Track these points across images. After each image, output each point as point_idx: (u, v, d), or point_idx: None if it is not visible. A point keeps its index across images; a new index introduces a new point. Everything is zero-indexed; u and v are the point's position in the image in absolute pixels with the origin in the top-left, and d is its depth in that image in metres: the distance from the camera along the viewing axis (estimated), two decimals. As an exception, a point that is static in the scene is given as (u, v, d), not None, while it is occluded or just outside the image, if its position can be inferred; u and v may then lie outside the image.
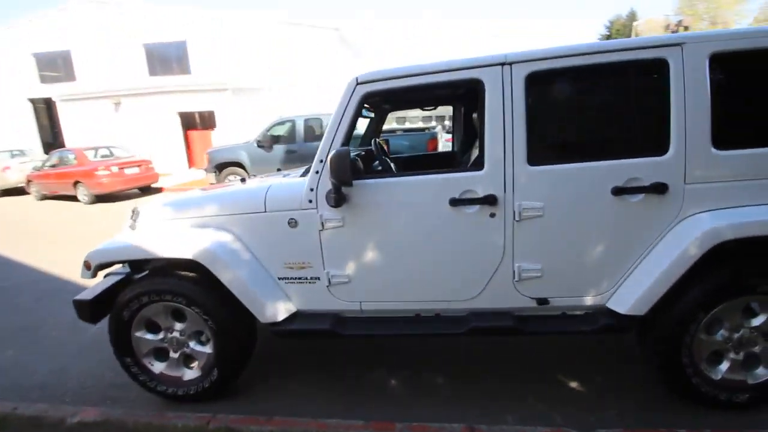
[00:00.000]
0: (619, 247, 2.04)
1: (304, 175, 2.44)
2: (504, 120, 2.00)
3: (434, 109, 3.65)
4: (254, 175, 4.22)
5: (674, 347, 2.00)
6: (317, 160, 2.16)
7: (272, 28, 16.43)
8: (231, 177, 8.83)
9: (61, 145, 15.82)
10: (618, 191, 1.97)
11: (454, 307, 2.22)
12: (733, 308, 1.97)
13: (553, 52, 1.97)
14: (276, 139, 9.15)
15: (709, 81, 1.90)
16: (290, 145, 8.87)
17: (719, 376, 2.05)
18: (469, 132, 3.48)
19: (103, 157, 10.81)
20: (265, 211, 2.26)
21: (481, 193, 2.05)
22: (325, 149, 2.13)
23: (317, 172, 2.17)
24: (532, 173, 2.02)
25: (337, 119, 2.12)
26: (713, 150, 1.89)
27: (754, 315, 2.01)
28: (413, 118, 23.70)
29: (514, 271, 2.11)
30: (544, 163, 2.02)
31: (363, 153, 3.00)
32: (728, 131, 1.90)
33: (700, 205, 1.95)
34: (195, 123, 16.26)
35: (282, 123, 9.32)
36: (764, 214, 1.85)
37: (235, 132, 13.62)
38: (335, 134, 2.13)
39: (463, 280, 2.16)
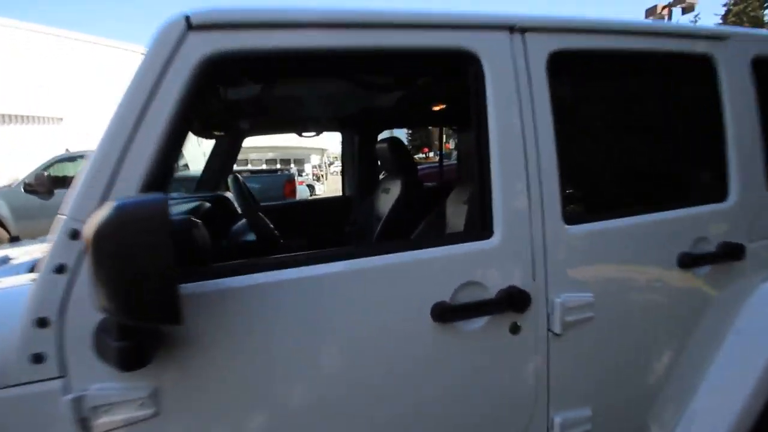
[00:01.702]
0: (690, 350, 1.22)
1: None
2: (524, 135, 1.00)
3: (317, 134, 2.50)
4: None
5: None
6: (61, 233, 0.73)
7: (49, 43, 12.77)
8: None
9: None
10: (687, 261, 1.16)
11: None
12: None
13: (592, 24, 1.09)
14: (60, 181, 6.44)
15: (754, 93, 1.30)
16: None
17: None
18: (368, 163, 2.44)
19: None
20: None
21: (491, 286, 0.96)
22: (85, 203, 0.73)
23: (60, 271, 0.73)
24: (572, 240, 1.04)
25: (128, 122, 0.77)
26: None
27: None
28: (256, 160, 21.89)
29: (549, 429, 1.06)
30: (590, 218, 1.08)
31: (208, 208, 1.59)
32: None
33: (762, 273, 1.30)
34: None
35: (71, 159, 6.68)
36: None
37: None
38: (123, 158, 0.76)
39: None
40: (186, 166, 8.17)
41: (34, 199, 6.15)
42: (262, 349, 0.83)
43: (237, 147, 2.30)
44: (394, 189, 2.21)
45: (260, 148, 23.00)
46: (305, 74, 1.39)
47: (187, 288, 0.74)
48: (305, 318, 0.85)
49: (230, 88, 1.37)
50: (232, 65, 0.89)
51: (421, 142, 24.12)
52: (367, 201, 2.47)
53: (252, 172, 8.32)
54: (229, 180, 1.32)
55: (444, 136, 3.17)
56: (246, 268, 0.82)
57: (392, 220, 2.09)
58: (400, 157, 2.19)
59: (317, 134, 2.47)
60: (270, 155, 23.05)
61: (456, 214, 1.56)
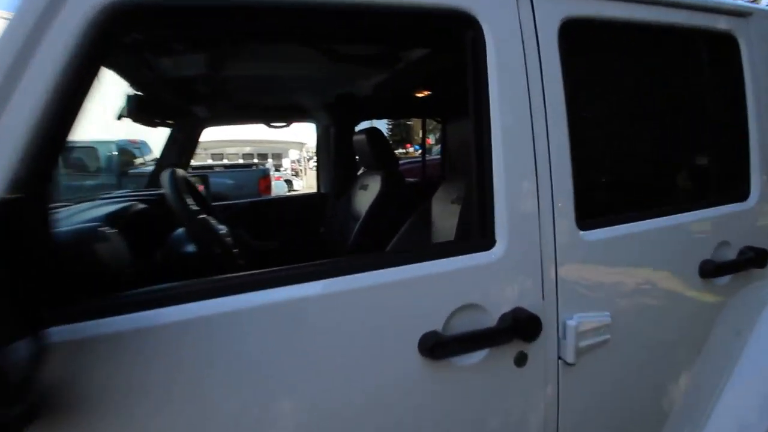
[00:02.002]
0: (705, 366, 1.08)
1: None
2: (532, 120, 0.80)
3: (287, 125, 2.26)
4: None
5: None
6: None
7: None
8: None
9: None
10: (709, 269, 1.01)
11: None
12: None
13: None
14: None
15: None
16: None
17: None
18: (344, 157, 2.23)
19: None
20: None
21: (492, 309, 0.77)
22: None
23: None
24: (588, 248, 0.86)
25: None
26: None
27: None
28: (232, 154, 21.29)
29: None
30: (607, 222, 0.90)
31: (139, 210, 1.33)
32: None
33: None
34: None
35: None
36: None
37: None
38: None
39: None
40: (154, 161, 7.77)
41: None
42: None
43: (194, 139, 2.04)
44: (373, 185, 2.00)
45: (236, 141, 22.30)
46: (260, 36, 1.14)
47: (59, 333, 0.52)
48: (235, 363, 0.63)
49: (160, 54, 1.11)
50: (152, 18, 0.65)
51: (401, 137, 23.84)
52: (343, 199, 2.26)
53: (225, 167, 7.94)
54: (163, 175, 1.06)
55: (425, 130, 2.99)
56: (149, 300, 0.58)
57: (371, 220, 1.88)
58: (379, 149, 1.99)
59: (287, 125, 2.24)
60: (247, 149, 22.44)
61: (444, 216, 1.37)
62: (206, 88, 1.69)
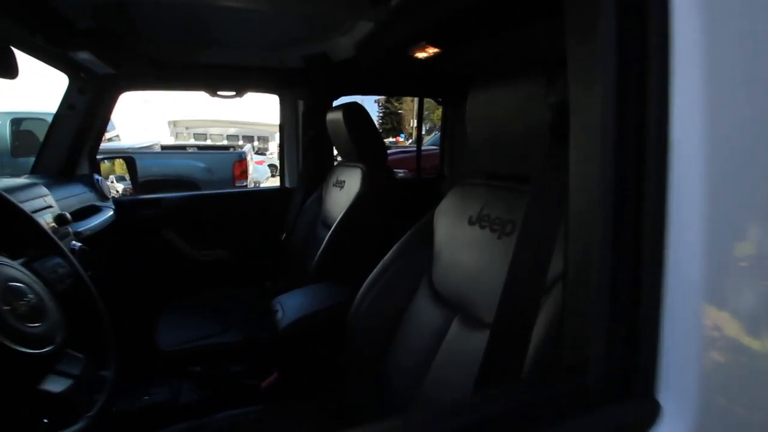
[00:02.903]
0: None
1: None
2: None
3: (237, 95, 1.66)
4: None
5: None
6: None
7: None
8: None
9: None
10: None
11: None
12: None
13: None
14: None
15: None
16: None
17: None
18: (315, 141, 1.68)
19: None
20: None
21: None
22: None
23: None
24: None
25: None
26: None
27: None
28: (216, 135, 20.38)
29: None
30: None
31: None
32: None
33: None
34: None
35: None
36: None
37: None
38: None
39: None
40: (117, 137, 7.02)
41: None
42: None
43: (104, 106, 1.44)
44: (351, 183, 1.46)
45: (221, 122, 21.43)
46: None
47: None
48: None
49: None
50: None
51: (392, 126, 22.85)
52: (313, 197, 1.70)
53: (199, 148, 7.23)
54: None
55: (422, 110, 2.43)
56: None
57: (343, 232, 1.35)
58: (360, 133, 1.44)
59: (238, 95, 1.65)
60: (231, 131, 21.53)
61: (456, 243, 0.84)
62: (117, 24, 1.12)
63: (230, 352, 1.20)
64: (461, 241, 0.84)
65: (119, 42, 1.22)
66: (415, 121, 2.30)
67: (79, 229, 1.14)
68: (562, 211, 0.49)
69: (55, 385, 0.57)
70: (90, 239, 1.18)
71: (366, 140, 1.47)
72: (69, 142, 1.43)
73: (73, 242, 1.02)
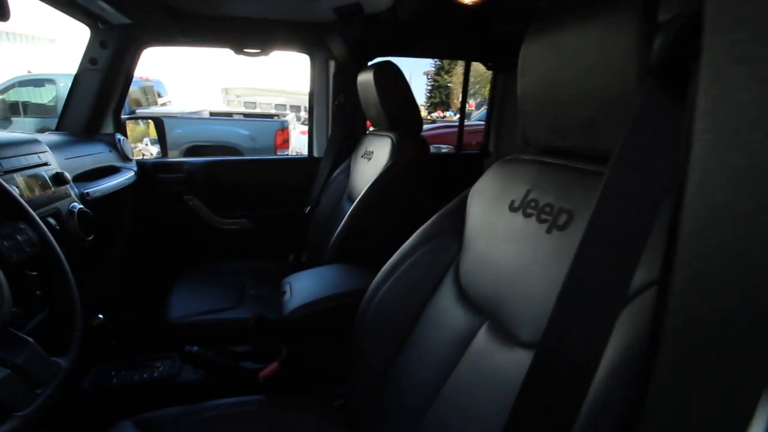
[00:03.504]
0: None
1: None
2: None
3: (263, 53, 1.52)
4: None
5: None
6: None
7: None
8: None
9: None
10: None
11: None
12: None
13: None
14: (22, 108, 5.65)
15: None
16: (48, 120, 5.45)
17: None
18: (346, 109, 1.52)
19: None
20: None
21: None
22: None
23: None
24: None
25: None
26: None
27: None
28: (264, 104, 20.75)
29: None
30: None
31: None
32: None
33: None
34: None
35: (33, 82, 5.81)
36: None
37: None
38: None
39: None
40: (170, 101, 7.23)
41: (-16, 127, 5.36)
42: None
43: (127, 61, 1.36)
44: (380, 154, 1.30)
45: (271, 91, 21.75)
46: None
47: None
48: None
49: None
50: None
51: (441, 100, 21.89)
52: (341, 169, 1.57)
53: (245, 115, 7.30)
54: None
55: (468, 79, 2.17)
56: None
57: (369, 210, 1.21)
58: (393, 96, 1.27)
59: (263, 53, 1.52)
60: (280, 100, 21.80)
61: (490, 230, 0.67)
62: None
63: (237, 331, 1.12)
64: (498, 231, 0.66)
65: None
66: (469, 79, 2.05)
67: (87, 191, 1.08)
68: (663, 200, 0.32)
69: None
70: (99, 201, 1.12)
71: (398, 106, 1.29)
72: (91, 100, 1.38)
73: (73, 204, 0.96)
